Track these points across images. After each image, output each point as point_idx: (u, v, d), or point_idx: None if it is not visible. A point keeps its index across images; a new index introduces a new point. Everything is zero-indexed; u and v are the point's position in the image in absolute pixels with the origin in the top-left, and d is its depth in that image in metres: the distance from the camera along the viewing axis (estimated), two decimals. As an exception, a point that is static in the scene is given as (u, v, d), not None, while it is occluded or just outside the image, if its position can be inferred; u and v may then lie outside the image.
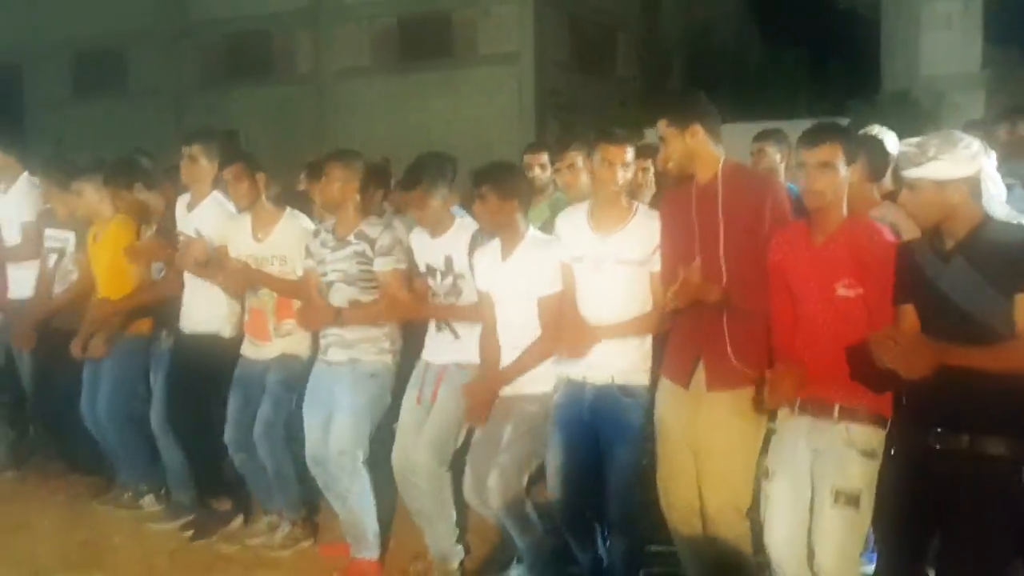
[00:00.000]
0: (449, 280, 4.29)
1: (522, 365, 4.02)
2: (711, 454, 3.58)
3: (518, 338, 4.04)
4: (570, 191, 4.61)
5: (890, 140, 4.52)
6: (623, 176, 3.79)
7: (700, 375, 3.61)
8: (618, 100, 17.04)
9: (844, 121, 3.48)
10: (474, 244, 4.22)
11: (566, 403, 3.91)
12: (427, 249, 4.36)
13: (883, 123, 4.45)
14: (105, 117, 21.09)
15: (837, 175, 3.22)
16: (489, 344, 4.12)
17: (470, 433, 4.21)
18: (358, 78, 19.70)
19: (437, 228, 4.31)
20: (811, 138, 3.26)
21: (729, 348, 3.52)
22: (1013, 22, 13.45)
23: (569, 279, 3.91)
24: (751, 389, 3.49)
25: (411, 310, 4.36)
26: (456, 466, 4.25)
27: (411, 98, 18.88)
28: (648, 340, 3.89)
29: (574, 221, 3.95)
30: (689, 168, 3.63)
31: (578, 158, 4.50)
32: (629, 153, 3.80)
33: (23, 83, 23.79)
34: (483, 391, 4.06)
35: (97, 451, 5.49)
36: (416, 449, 4.23)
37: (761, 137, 5.42)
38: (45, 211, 5.75)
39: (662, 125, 3.62)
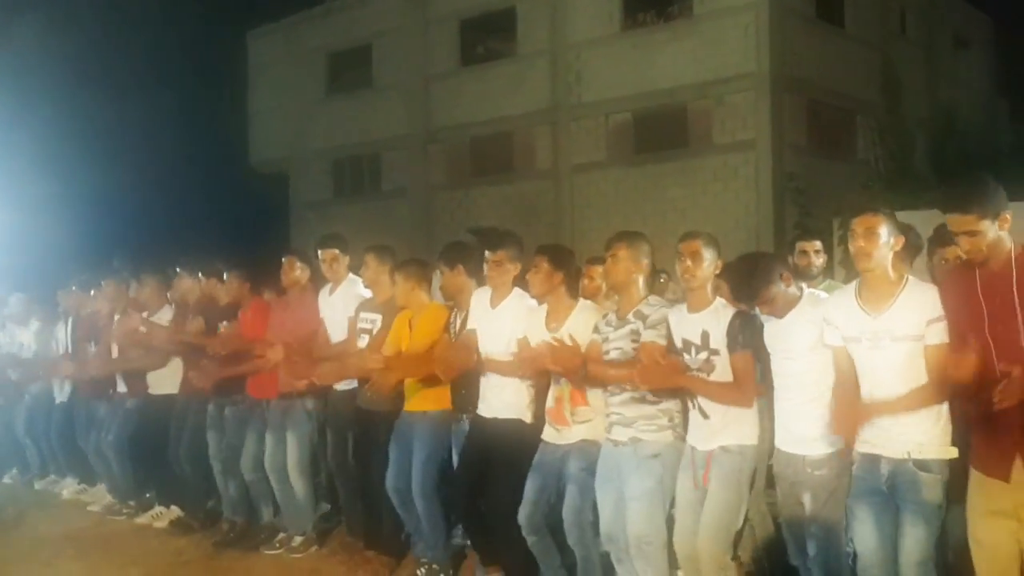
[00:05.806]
0: (703, 355, 4.41)
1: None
2: None
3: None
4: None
5: None
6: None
7: (1018, 464, 3.57)
8: (859, 183, 16.66)
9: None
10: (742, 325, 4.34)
11: (863, 475, 3.99)
12: (684, 324, 4.50)
13: None
14: (360, 216, 22.85)
15: None
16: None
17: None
18: (595, 171, 20.35)
19: (696, 304, 4.48)
20: None
21: None
22: None
23: (845, 362, 4.02)
24: None
25: (664, 377, 4.38)
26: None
27: (647, 189, 19.29)
28: (945, 413, 3.86)
29: (844, 304, 4.05)
30: (992, 255, 3.62)
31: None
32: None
33: (288, 189, 26.22)
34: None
35: (397, 530, 5.87)
36: (699, 537, 4.35)
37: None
38: (363, 302, 6.18)
39: (972, 219, 3.58)
